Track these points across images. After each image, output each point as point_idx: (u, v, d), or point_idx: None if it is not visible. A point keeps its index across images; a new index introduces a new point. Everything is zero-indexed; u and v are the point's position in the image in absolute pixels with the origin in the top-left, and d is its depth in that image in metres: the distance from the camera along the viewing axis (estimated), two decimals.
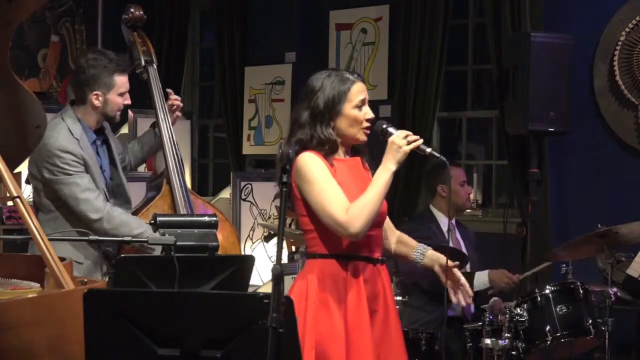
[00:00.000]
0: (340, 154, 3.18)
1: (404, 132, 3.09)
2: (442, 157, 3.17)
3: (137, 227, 3.77)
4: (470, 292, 3.25)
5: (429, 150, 3.12)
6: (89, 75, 3.84)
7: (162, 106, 4.17)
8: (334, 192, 3.03)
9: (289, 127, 3.20)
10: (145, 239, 2.87)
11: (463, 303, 3.27)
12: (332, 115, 3.11)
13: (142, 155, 4.30)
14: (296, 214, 3.18)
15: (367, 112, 3.16)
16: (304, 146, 3.11)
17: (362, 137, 3.17)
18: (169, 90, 4.22)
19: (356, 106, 3.13)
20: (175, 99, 4.21)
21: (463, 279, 3.23)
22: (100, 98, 3.85)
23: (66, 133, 3.79)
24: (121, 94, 3.89)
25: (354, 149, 3.24)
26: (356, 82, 3.15)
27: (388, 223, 3.33)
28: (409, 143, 3.06)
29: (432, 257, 3.29)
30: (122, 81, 3.88)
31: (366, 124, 3.15)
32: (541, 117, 5.20)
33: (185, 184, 4.12)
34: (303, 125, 3.13)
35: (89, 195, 3.75)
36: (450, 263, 3.21)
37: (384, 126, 3.13)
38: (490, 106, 6.25)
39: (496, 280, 4.70)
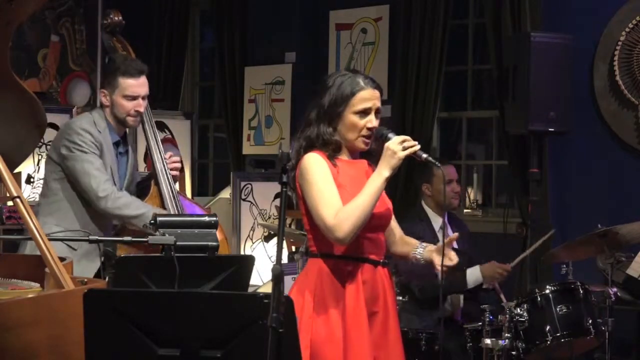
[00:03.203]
0: (345, 155, 3.16)
1: (400, 138, 3.03)
2: (437, 163, 3.17)
3: (139, 207, 3.87)
4: (453, 259, 3.14)
5: (424, 156, 3.06)
6: (104, 74, 3.95)
7: (146, 110, 4.18)
8: (329, 194, 3.02)
9: (302, 123, 3.18)
10: (146, 239, 2.87)
11: (437, 265, 3.14)
12: (333, 117, 3.10)
13: None
14: (300, 212, 3.18)
15: (370, 121, 3.09)
16: (311, 144, 3.10)
17: (360, 146, 3.13)
18: (169, 153, 4.21)
19: (357, 112, 3.08)
20: (173, 162, 4.18)
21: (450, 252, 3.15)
22: (107, 97, 3.95)
23: (90, 121, 3.93)
24: (126, 97, 3.92)
25: (362, 153, 3.21)
26: (365, 89, 3.10)
27: (393, 222, 3.32)
28: (404, 149, 3.00)
29: (430, 249, 3.23)
30: (126, 84, 3.92)
31: (365, 132, 3.10)
32: (541, 117, 5.20)
33: (172, 184, 4.15)
34: (311, 123, 3.13)
35: (100, 173, 3.85)
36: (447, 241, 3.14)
37: (384, 131, 3.09)
38: (490, 106, 6.25)
39: (488, 273, 4.68)
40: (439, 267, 3.15)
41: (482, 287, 4.75)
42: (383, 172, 3.01)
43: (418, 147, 3.04)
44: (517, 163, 5.65)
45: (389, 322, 3.16)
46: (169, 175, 4.13)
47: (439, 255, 3.16)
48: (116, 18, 4.33)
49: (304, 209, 3.13)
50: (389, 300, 3.18)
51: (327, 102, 3.11)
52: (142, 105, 3.96)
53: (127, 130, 4.09)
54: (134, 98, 3.93)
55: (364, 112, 3.09)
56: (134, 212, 3.84)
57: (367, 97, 3.10)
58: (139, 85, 3.94)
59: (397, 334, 3.20)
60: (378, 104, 3.13)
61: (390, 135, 3.06)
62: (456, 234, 3.25)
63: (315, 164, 3.06)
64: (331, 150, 3.11)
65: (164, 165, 4.13)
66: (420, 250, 3.25)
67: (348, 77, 3.13)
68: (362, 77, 3.14)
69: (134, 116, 3.95)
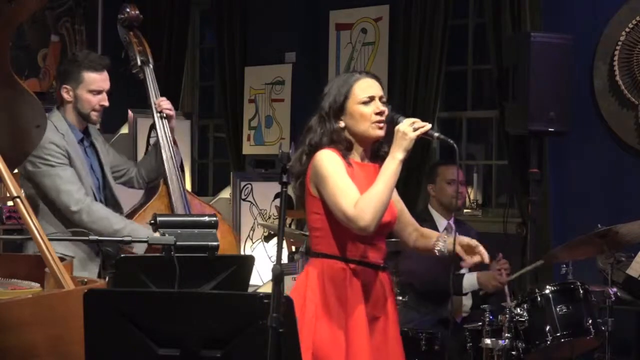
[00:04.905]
0: (357, 156, 3.15)
1: (410, 120, 3.04)
2: (450, 140, 3.10)
3: (116, 222, 3.75)
4: (486, 256, 3.12)
5: (436, 134, 3.06)
6: (61, 70, 3.96)
7: (159, 107, 4.16)
8: (346, 186, 3.00)
9: (302, 135, 3.18)
10: (146, 239, 2.87)
11: (472, 260, 3.12)
12: (338, 114, 3.10)
13: (154, 167, 4.19)
14: (306, 211, 3.16)
15: (377, 107, 3.09)
16: (316, 146, 3.09)
17: (375, 133, 3.10)
18: (161, 98, 4.15)
19: (361, 102, 3.09)
20: (167, 108, 4.12)
21: (480, 248, 3.13)
22: (70, 93, 3.87)
23: (51, 127, 3.79)
24: (92, 92, 3.86)
25: (375, 156, 3.19)
26: (361, 79, 3.12)
27: (409, 218, 3.32)
28: (415, 129, 3.01)
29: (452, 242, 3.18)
30: (91, 78, 3.87)
31: (375, 118, 3.09)
32: (541, 117, 5.19)
33: (182, 184, 4.11)
34: (313, 128, 3.13)
35: (70, 187, 3.75)
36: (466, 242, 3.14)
37: (394, 115, 3.08)
38: (490, 106, 6.25)
39: (485, 282, 4.68)
40: (465, 264, 3.13)
41: (480, 292, 4.75)
42: (397, 155, 3.01)
43: (429, 126, 3.04)
44: (517, 163, 5.65)
45: (389, 327, 3.16)
46: (179, 175, 4.09)
47: (467, 251, 3.12)
48: (133, 12, 4.26)
49: (313, 207, 3.11)
50: (390, 304, 3.18)
51: (328, 103, 3.12)
52: (106, 99, 3.91)
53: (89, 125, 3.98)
54: (99, 92, 3.88)
55: (368, 100, 3.09)
56: (112, 227, 3.70)
57: (367, 85, 3.12)
58: (103, 79, 3.90)
59: (398, 339, 3.20)
60: (380, 92, 3.13)
61: (400, 119, 3.06)
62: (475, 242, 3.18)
63: (328, 159, 3.05)
64: (343, 148, 3.10)
65: (174, 165, 4.09)
66: (442, 243, 3.21)
67: (343, 75, 3.18)
68: (358, 71, 3.18)
69: (99, 111, 3.90)
